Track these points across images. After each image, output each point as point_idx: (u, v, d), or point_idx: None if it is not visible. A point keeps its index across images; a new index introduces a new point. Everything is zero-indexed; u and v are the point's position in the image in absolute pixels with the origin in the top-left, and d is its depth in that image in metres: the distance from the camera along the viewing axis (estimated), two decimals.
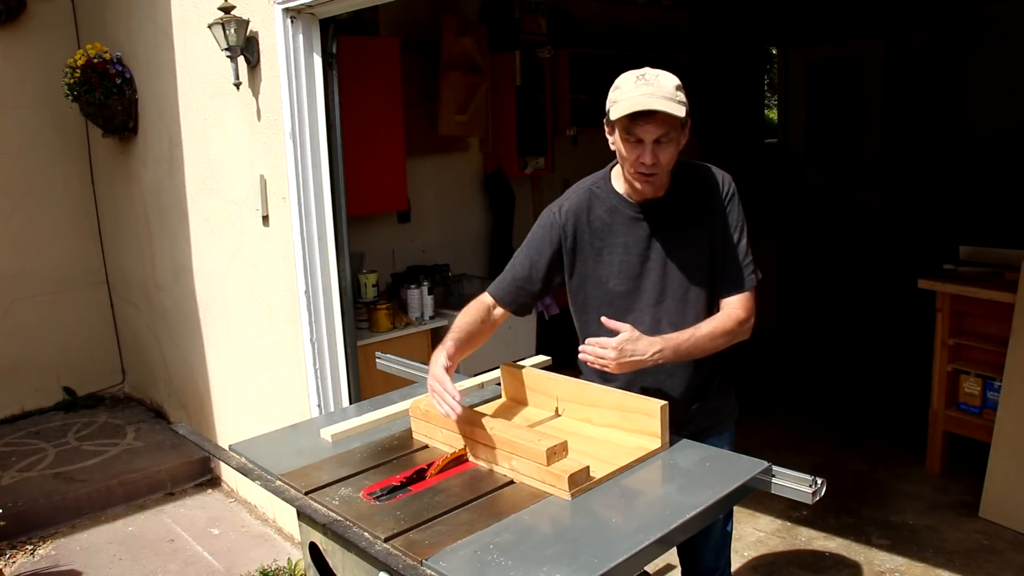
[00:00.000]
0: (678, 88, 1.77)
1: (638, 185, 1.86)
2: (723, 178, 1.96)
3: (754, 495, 1.71)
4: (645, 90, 1.75)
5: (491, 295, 2.06)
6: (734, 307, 1.91)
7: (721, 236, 1.93)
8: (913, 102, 6.71)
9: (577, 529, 1.47)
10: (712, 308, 1.94)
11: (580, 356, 1.84)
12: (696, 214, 1.93)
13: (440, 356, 1.86)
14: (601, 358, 1.77)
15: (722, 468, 1.64)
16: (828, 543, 3.22)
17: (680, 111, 1.74)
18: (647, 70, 1.79)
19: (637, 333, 1.78)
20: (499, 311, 2.05)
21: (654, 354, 1.78)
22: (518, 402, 2.05)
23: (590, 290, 1.99)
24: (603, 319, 1.83)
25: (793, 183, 7.44)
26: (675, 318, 1.92)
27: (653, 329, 1.91)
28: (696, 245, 1.92)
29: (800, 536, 3.29)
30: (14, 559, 3.35)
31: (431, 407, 1.84)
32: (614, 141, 1.85)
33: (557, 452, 1.58)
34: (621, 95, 1.78)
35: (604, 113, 1.84)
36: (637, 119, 1.74)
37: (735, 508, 2.19)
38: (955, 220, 6.28)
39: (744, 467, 1.62)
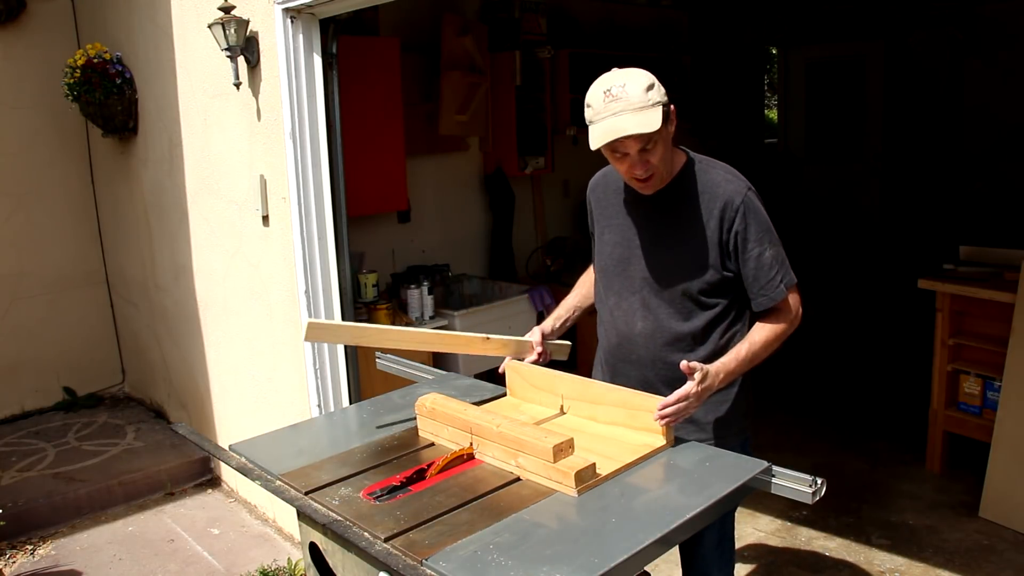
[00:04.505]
0: (649, 88, 1.73)
1: (639, 190, 1.89)
2: (735, 188, 1.85)
3: (754, 495, 1.71)
4: (614, 107, 1.72)
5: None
6: (773, 318, 1.90)
7: (737, 251, 1.85)
8: (913, 102, 6.71)
9: (577, 529, 1.47)
10: (701, 313, 1.90)
11: (662, 420, 1.70)
12: (691, 216, 1.87)
13: (547, 322, 2.11)
14: (684, 411, 1.71)
15: (722, 468, 1.63)
16: (828, 543, 3.22)
17: (653, 122, 1.71)
18: (614, 80, 1.76)
19: (706, 371, 1.73)
20: None
21: (720, 382, 1.78)
22: (523, 400, 2.06)
23: (599, 260, 2.06)
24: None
25: (793, 183, 7.45)
26: (650, 312, 1.93)
27: (629, 317, 1.95)
28: (684, 246, 1.88)
29: (800, 536, 3.29)
30: (14, 559, 3.35)
31: (436, 404, 1.85)
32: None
33: (563, 449, 1.59)
34: (594, 115, 1.77)
35: None
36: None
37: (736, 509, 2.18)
38: (955, 220, 6.28)
39: (744, 467, 1.62)
